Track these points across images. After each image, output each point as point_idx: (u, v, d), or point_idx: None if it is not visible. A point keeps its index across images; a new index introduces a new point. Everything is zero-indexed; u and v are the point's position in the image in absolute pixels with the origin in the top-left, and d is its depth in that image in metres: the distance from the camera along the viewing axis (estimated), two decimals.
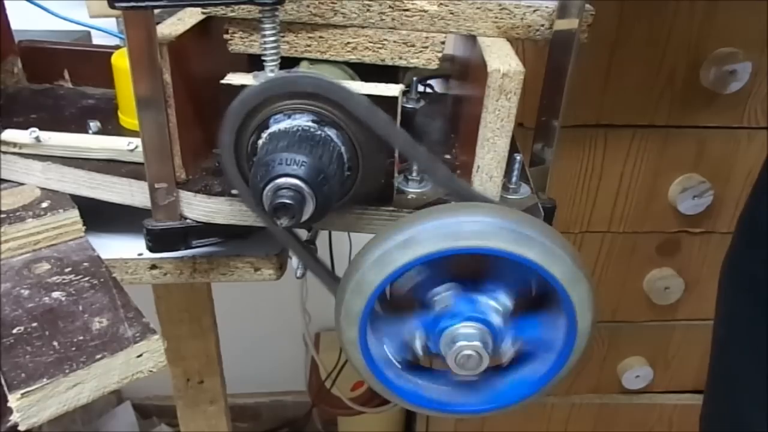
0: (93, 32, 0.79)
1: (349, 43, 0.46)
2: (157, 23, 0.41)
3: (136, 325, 0.40)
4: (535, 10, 0.45)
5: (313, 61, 0.47)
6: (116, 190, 0.49)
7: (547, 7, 0.45)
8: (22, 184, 0.52)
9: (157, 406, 1.47)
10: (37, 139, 0.50)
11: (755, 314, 0.60)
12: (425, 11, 0.45)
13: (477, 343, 0.38)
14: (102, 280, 0.44)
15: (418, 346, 0.41)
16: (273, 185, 0.36)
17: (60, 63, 0.65)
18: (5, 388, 0.35)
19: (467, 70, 0.51)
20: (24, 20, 0.67)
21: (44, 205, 0.49)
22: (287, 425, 1.53)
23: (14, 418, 0.35)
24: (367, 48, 0.46)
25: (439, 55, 0.46)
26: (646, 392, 1.13)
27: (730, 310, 0.66)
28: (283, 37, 0.45)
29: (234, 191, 0.45)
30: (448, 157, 0.53)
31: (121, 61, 0.54)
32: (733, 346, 0.65)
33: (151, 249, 0.47)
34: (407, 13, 0.45)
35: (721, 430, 0.67)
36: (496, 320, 0.39)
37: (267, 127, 0.39)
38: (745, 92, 0.84)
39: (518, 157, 0.47)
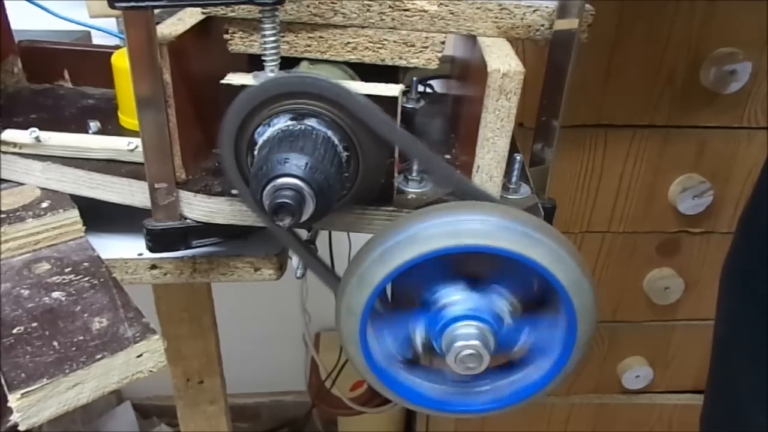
0: (93, 32, 0.79)
1: (349, 43, 0.46)
2: (157, 23, 0.41)
3: (136, 325, 0.40)
4: (535, 10, 0.45)
5: (313, 61, 0.47)
6: (116, 190, 0.49)
7: (547, 7, 0.45)
8: (22, 184, 0.52)
9: (157, 406, 1.47)
10: (37, 139, 0.50)
11: (756, 314, 0.60)
12: (425, 11, 0.45)
13: (477, 342, 0.38)
14: (102, 280, 0.44)
15: (418, 343, 0.41)
16: (273, 185, 0.36)
17: (60, 63, 0.65)
18: (5, 388, 0.35)
19: (467, 70, 0.51)
20: (24, 20, 0.67)
21: (44, 205, 0.49)
22: (287, 425, 1.53)
23: (14, 418, 0.35)
24: (367, 48, 0.46)
25: (439, 55, 0.46)
26: (646, 392, 1.13)
27: (731, 310, 0.66)
28: (283, 37, 0.45)
29: (234, 191, 0.45)
30: (448, 157, 0.53)
31: (121, 61, 0.54)
32: (733, 346, 0.66)
33: (151, 249, 0.47)
34: (407, 13, 0.45)
35: (722, 430, 0.67)
36: (497, 319, 0.39)
37: (267, 127, 0.39)
38: (745, 92, 0.84)
39: (518, 157, 0.47)
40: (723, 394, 0.67)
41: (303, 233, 0.47)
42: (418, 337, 0.41)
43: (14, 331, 0.39)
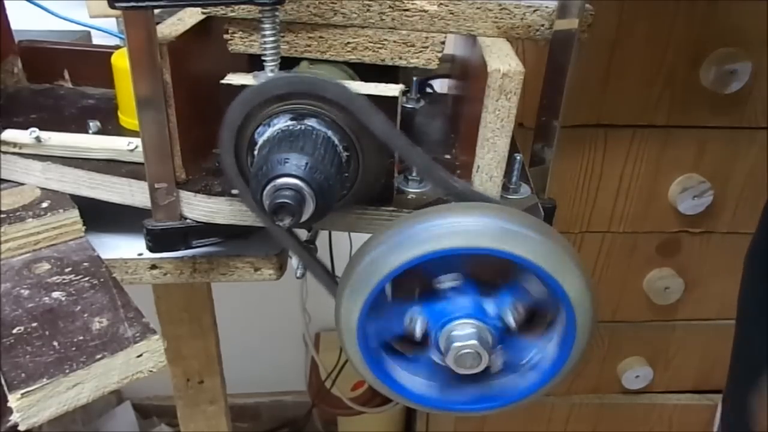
0: (93, 32, 0.79)
1: (349, 43, 0.46)
2: (157, 23, 0.41)
3: (136, 325, 0.40)
4: (535, 10, 0.45)
5: (313, 61, 0.47)
6: (116, 190, 0.49)
7: (547, 7, 0.45)
8: (22, 184, 0.52)
9: (157, 406, 1.47)
10: (37, 139, 0.50)
11: None
12: (425, 11, 0.45)
13: (476, 342, 0.38)
14: (102, 280, 0.44)
15: (418, 330, 0.41)
16: (273, 185, 0.36)
17: (60, 63, 0.65)
18: (5, 388, 0.35)
19: (467, 70, 0.51)
20: (24, 20, 0.67)
21: (44, 205, 0.49)
22: (287, 425, 1.53)
23: (14, 418, 0.35)
24: (367, 48, 0.46)
25: (439, 55, 0.46)
26: (646, 392, 1.13)
27: (754, 294, 0.67)
28: (283, 37, 0.45)
29: (234, 191, 0.45)
30: (448, 157, 0.53)
31: (121, 61, 0.54)
32: (756, 330, 0.66)
33: (151, 249, 0.47)
34: (407, 13, 0.45)
35: (744, 412, 0.68)
36: (498, 320, 0.39)
37: (267, 128, 0.39)
38: (745, 92, 0.84)
39: (518, 157, 0.47)
40: (746, 376, 0.68)
41: (303, 233, 0.47)
42: (419, 325, 0.41)
43: (14, 331, 0.39)
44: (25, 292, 0.42)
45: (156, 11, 0.39)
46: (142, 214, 0.47)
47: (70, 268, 0.45)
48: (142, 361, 0.39)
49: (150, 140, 0.43)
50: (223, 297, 0.79)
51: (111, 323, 0.40)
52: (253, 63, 0.45)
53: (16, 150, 0.51)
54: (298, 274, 0.49)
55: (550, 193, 0.51)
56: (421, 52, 0.46)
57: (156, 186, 0.45)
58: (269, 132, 0.39)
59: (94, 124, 0.55)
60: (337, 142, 0.39)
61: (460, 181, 0.43)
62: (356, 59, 0.47)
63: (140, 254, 0.49)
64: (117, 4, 0.38)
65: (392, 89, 0.41)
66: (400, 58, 0.46)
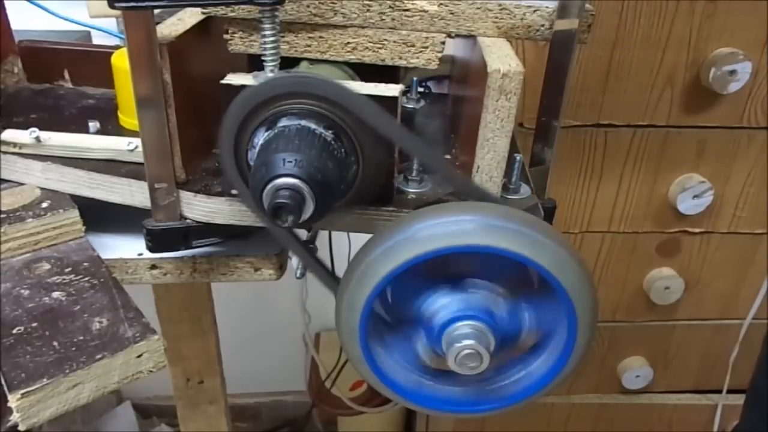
0: (93, 32, 0.79)
1: (349, 43, 0.46)
2: (157, 23, 0.41)
3: (136, 325, 0.40)
4: (535, 10, 0.45)
5: (313, 61, 0.47)
6: (116, 190, 0.49)
7: (547, 7, 0.45)
8: (22, 184, 0.52)
9: (157, 406, 1.47)
10: (37, 139, 0.50)
11: None
12: (425, 11, 0.45)
13: (473, 341, 0.38)
14: (102, 280, 0.44)
15: (423, 356, 0.41)
16: (272, 185, 0.36)
17: (60, 63, 0.65)
18: (5, 388, 0.35)
19: (467, 70, 0.51)
20: (24, 20, 0.67)
21: (44, 205, 0.49)
22: (287, 425, 1.53)
23: (14, 418, 0.35)
24: (367, 48, 0.46)
25: (439, 55, 0.46)
26: (646, 392, 1.13)
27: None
28: (283, 37, 0.45)
29: (234, 191, 0.45)
30: (448, 157, 0.53)
31: (121, 61, 0.54)
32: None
33: (151, 249, 0.47)
34: (407, 13, 0.45)
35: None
36: (487, 311, 0.39)
37: (267, 128, 0.39)
38: (745, 92, 0.84)
39: (518, 157, 0.47)
40: None
41: (303, 233, 0.47)
42: (421, 349, 0.41)
43: (14, 331, 0.39)
44: (25, 292, 0.42)
45: (156, 11, 0.39)
46: (142, 214, 0.47)
47: (70, 268, 0.45)
48: (142, 362, 0.39)
49: (150, 140, 0.43)
50: (223, 297, 0.79)
51: (111, 323, 0.40)
52: (253, 63, 0.45)
53: (16, 150, 0.51)
54: (298, 274, 0.49)
55: (550, 193, 0.51)
56: (421, 52, 0.46)
57: (156, 186, 0.45)
58: (269, 132, 0.39)
59: (94, 124, 0.55)
60: (336, 142, 0.39)
61: (461, 174, 0.43)
62: (356, 59, 0.47)
63: (140, 254, 0.49)
64: (117, 4, 0.38)
65: (392, 89, 0.41)
66: (400, 58, 0.46)
